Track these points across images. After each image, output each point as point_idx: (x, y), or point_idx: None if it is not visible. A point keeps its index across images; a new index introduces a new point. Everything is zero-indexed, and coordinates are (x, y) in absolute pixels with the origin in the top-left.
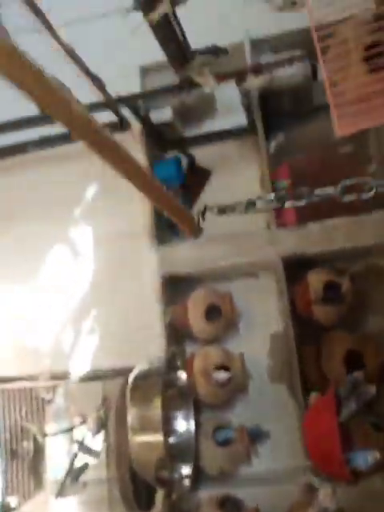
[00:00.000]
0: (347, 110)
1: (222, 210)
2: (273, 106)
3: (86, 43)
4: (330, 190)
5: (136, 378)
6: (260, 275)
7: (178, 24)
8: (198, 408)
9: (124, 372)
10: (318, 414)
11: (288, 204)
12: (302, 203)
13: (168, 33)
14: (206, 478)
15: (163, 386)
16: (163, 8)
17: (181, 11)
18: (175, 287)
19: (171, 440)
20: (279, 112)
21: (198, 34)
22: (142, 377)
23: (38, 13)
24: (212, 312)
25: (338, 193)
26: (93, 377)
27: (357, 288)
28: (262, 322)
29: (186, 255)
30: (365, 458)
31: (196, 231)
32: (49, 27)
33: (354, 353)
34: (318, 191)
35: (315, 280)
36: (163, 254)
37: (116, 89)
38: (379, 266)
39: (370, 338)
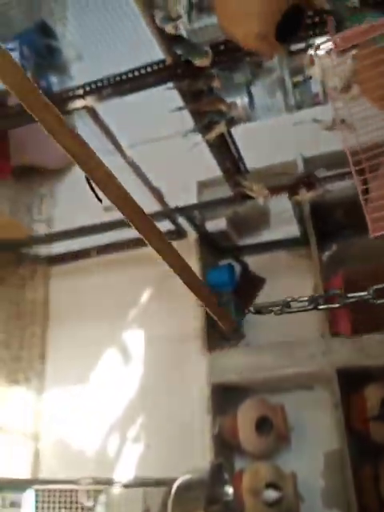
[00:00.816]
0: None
1: (258, 310)
2: (326, 218)
3: (151, 160)
4: (362, 293)
5: (179, 489)
6: (315, 387)
7: (234, 143)
8: None
9: (168, 482)
10: None
11: (322, 306)
12: (335, 306)
13: (224, 150)
14: None
15: (206, 500)
16: (219, 129)
17: (238, 131)
18: (225, 396)
19: None
20: (333, 223)
21: (253, 152)
22: (186, 488)
23: (108, 134)
24: (263, 425)
25: (371, 296)
26: (136, 485)
27: None
28: (316, 437)
29: (236, 363)
30: None
31: (232, 329)
32: (118, 147)
33: None
34: (350, 294)
35: (373, 395)
36: (213, 361)
37: (176, 201)
38: None
39: None
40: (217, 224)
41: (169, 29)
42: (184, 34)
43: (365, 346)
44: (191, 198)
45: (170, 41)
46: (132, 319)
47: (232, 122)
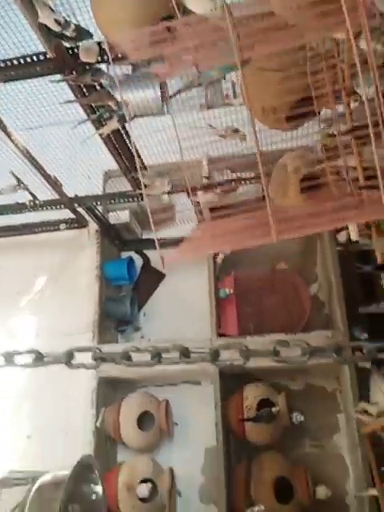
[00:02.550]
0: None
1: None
2: None
3: (49, 148)
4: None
5: (39, 489)
6: (202, 383)
7: (129, 138)
8: None
9: (30, 480)
10: None
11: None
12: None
13: (119, 146)
14: None
15: (64, 501)
16: (112, 125)
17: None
18: (113, 389)
19: None
20: None
21: (159, 148)
22: (47, 487)
23: None
24: (145, 420)
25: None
26: (7, 483)
27: (293, 408)
28: (199, 433)
29: None
30: None
31: None
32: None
33: (283, 480)
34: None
35: (251, 395)
36: None
37: (80, 191)
38: (316, 387)
39: (301, 466)
40: (119, 216)
41: (51, 23)
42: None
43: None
44: (98, 190)
45: (52, 35)
46: (23, 308)
47: (123, 118)
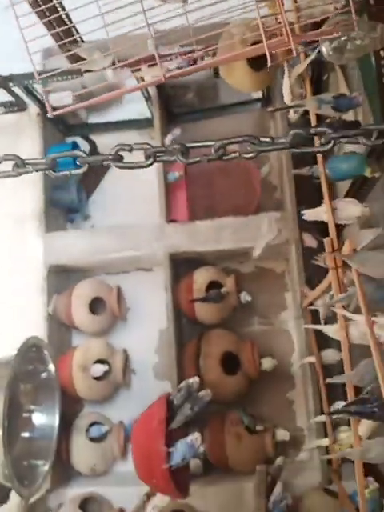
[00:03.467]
0: None
1: None
2: (177, 99)
3: None
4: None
5: None
6: (154, 269)
7: (63, 8)
8: (78, 403)
9: None
10: (146, 422)
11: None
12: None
13: (51, 15)
14: (77, 475)
15: (11, 378)
16: None
17: None
18: (63, 277)
19: (26, 435)
20: (184, 105)
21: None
22: None
23: None
24: (97, 305)
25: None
26: None
27: (242, 289)
28: (152, 317)
29: (75, 244)
30: (184, 448)
31: None
32: None
33: (231, 354)
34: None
35: (200, 278)
36: (51, 242)
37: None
38: (265, 269)
39: (248, 340)
40: (62, 98)
41: None
42: None
43: (197, 231)
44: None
45: None
46: None
47: None
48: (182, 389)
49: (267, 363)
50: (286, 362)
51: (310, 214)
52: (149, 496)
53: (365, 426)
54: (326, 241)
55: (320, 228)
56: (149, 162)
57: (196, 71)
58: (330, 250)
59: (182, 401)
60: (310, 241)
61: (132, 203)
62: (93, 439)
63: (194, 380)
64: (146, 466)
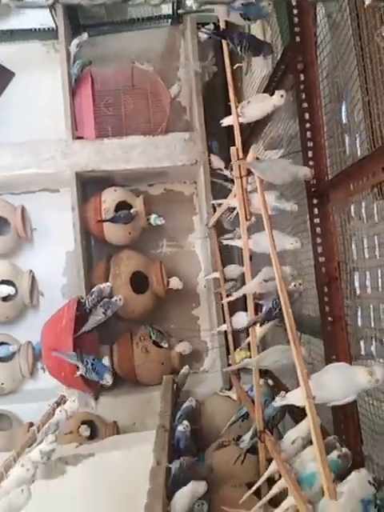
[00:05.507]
0: None
1: None
2: (85, 12)
3: None
4: None
5: None
6: (61, 191)
7: None
8: None
9: None
10: (56, 320)
11: None
12: None
13: None
14: None
15: None
16: None
17: None
18: None
19: None
20: (91, 19)
21: None
22: None
23: None
24: (1, 225)
25: None
26: None
27: (151, 212)
28: (59, 239)
29: None
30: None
31: None
32: None
33: (140, 274)
34: None
35: (109, 198)
36: None
37: None
38: (174, 192)
39: (157, 261)
40: None
41: None
42: None
43: (105, 149)
44: None
45: None
46: None
47: None
48: (93, 293)
49: (174, 282)
50: (193, 282)
51: (227, 120)
52: (58, 403)
53: (260, 329)
54: (231, 149)
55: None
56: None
57: None
58: (236, 158)
59: (94, 304)
60: (218, 162)
61: (36, 119)
62: (0, 359)
63: (105, 285)
64: (55, 360)
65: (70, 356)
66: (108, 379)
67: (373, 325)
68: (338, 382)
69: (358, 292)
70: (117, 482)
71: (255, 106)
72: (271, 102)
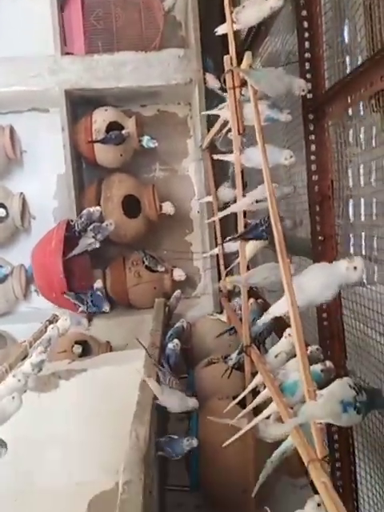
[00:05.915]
0: None
1: None
2: None
3: None
4: None
5: None
6: (50, 111)
7: None
8: None
9: None
10: (46, 242)
11: None
12: None
13: None
14: None
15: None
16: None
17: None
18: None
19: None
20: None
21: None
22: None
23: None
24: None
25: None
26: None
27: (143, 134)
28: (50, 161)
29: None
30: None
31: None
32: None
33: (132, 198)
34: None
35: (100, 118)
36: None
37: None
38: (168, 113)
39: (149, 184)
40: None
41: None
42: None
43: (96, 65)
44: None
45: None
46: None
47: None
48: (82, 216)
49: (167, 207)
50: (186, 207)
51: (221, 28)
52: (50, 321)
53: (249, 247)
54: (225, 58)
55: None
56: None
57: None
58: (229, 66)
59: (83, 227)
60: (213, 81)
61: (22, 33)
62: None
63: (95, 208)
64: (45, 280)
65: (71, 296)
66: (106, 308)
67: (364, 253)
68: (319, 281)
69: (351, 219)
70: (108, 396)
71: (251, 10)
72: (268, 5)
